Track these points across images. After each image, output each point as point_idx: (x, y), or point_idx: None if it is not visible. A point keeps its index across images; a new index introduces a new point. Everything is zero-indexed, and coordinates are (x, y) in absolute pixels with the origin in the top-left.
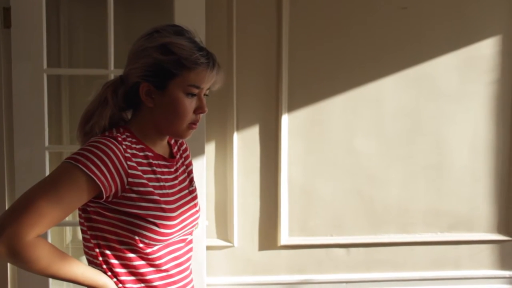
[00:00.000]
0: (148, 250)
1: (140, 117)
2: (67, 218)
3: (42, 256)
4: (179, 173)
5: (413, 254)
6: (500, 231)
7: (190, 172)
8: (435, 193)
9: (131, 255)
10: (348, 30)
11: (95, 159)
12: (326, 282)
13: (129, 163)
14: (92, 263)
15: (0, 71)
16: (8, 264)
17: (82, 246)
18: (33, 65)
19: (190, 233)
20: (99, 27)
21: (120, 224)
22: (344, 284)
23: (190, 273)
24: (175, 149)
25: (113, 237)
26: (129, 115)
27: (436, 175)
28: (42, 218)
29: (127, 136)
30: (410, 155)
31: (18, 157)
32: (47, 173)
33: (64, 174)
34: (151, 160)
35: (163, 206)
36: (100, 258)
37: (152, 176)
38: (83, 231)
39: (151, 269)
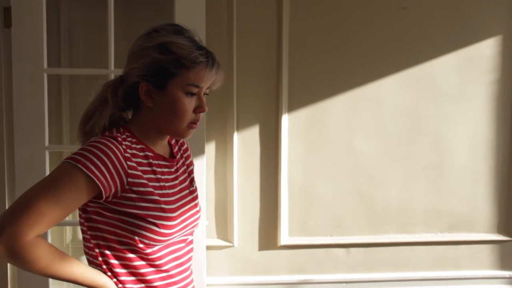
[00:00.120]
0: (148, 251)
1: (140, 117)
2: (67, 218)
3: (42, 256)
4: (180, 173)
5: (413, 254)
6: (500, 231)
7: (191, 172)
8: (435, 193)
9: (131, 255)
10: (348, 30)
11: (95, 159)
12: (326, 282)
13: (129, 163)
14: (92, 263)
15: (0, 70)
16: (8, 264)
17: (82, 246)
18: (33, 64)
19: (191, 233)
20: (99, 27)
21: (120, 224)
22: (344, 284)
23: (191, 273)
24: (176, 149)
25: (113, 237)
26: (129, 115)
27: (436, 175)
28: (42, 218)
29: (127, 136)
30: (410, 155)
31: (18, 157)
32: (47, 173)
33: (64, 174)
34: (151, 160)
35: (163, 206)
36: (100, 258)
37: (152, 176)
38: (83, 231)
39: (151, 269)
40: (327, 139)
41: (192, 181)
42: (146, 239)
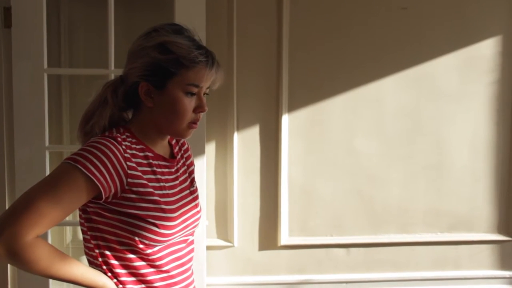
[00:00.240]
0: (149, 251)
1: (140, 117)
2: (67, 218)
3: (42, 256)
4: (180, 174)
5: (413, 254)
6: (500, 231)
7: (192, 172)
8: (435, 193)
9: (131, 256)
10: (348, 30)
11: (94, 160)
12: (326, 282)
13: (128, 163)
14: (93, 263)
15: (0, 70)
16: (9, 265)
17: (82, 246)
18: (33, 64)
19: (192, 234)
20: (99, 27)
21: (120, 225)
22: (344, 284)
23: (192, 273)
24: (176, 149)
25: (113, 238)
26: (129, 115)
27: (436, 175)
28: (42, 218)
29: (127, 136)
30: (410, 155)
31: (18, 157)
32: (47, 173)
33: (64, 175)
34: (151, 161)
35: (163, 206)
36: (100, 259)
37: (152, 176)
38: (83, 232)
39: (151, 269)
40: (327, 139)
41: (192, 181)
42: (146, 239)
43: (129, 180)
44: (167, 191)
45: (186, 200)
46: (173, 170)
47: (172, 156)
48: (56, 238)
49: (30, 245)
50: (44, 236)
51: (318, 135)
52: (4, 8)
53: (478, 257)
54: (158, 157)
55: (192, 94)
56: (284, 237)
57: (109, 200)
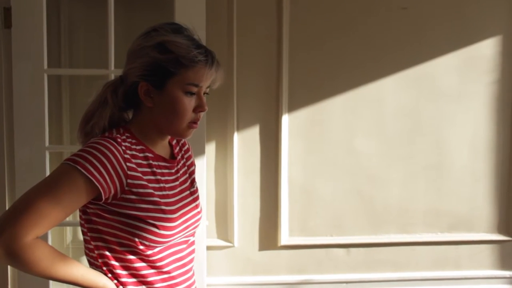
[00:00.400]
0: (149, 252)
1: (140, 117)
2: (67, 218)
3: (42, 257)
4: (180, 174)
5: (413, 254)
6: (500, 231)
7: (192, 172)
8: (435, 193)
9: (132, 257)
10: (349, 30)
11: (94, 161)
12: (326, 282)
13: (128, 164)
14: (93, 264)
15: (0, 71)
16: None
17: (82, 247)
18: (33, 65)
19: (192, 234)
20: (99, 27)
21: (120, 226)
22: (344, 284)
23: (193, 274)
24: (177, 150)
25: (113, 239)
26: (130, 115)
27: (436, 175)
28: (41, 219)
29: (127, 137)
30: (410, 155)
31: (18, 157)
32: (47, 173)
33: (63, 176)
34: (151, 161)
35: (163, 207)
36: (100, 260)
37: (152, 177)
38: (83, 233)
39: (152, 271)
40: (327, 139)
41: (193, 182)
42: (146, 240)
43: (129, 181)
44: (167, 192)
45: (187, 201)
46: (173, 171)
47: (172, 156)
48: (56, 239)
49: (29, 246)
50: (44, 237)
51: (318, 135)
52: (4, 8)
53: (478, 257)
54: (158, 157)
55: (192, 93)
56: (284, 237)
57: (109, 201)
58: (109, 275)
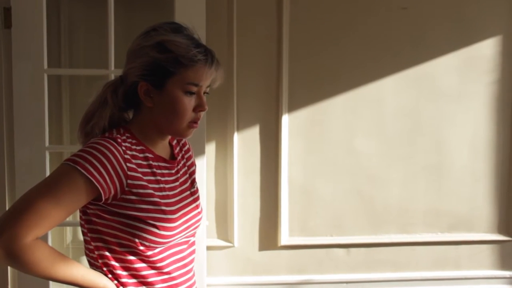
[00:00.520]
0: (149, 253)
1: (140, 117)
2: (67, 218)
3: (41, 258)
4: (180, 175)
5: (414, 254)
6: (500, 231)
7: (192, 173)
8: (435, 193)
9: (132, 257)
10: (349, 30)
11: (94, 161)
12: (326, 282)
13: (128, 165)
14: (93, 265)
15: (0, 71)
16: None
17: (82, 247)
18: (33, 65)
19: (193, 235)
20: (99, 27)
21: (120, 226)
22: (345, 284)
23: (193, 275)
24: (177, 150)
25: (113, 239)
26: (130, 115)
27: (436, 175)
28: (41, 220)
29: (127, 137)
30: (410, 155)
31: (18, 157)
32: (48, 173)
33: (63, 176)
34: (151, 162)
35: (164, 208)
36: (101, 261)
37: (152, 178)
38: (83, 233)
39: (152, 271)
40: (327, 139)
41: (193, 182)
42: (146, 241)
43: (129, 181)
44: (167, 193)
45: (187, 202)
46: (173, 171)
47: (173, 157)
48: (56, 239)
49: (29, 247)
50: (44, 237)
51: (318, 135)
52: (4, 8)
53: (478, 257)
54: (158, 158)
55: (192, 93)
56: (284, 237)
57: (109, 201)
58: (109, 275)
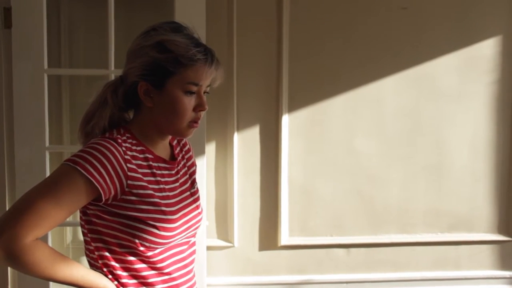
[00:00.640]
0: (149, 253)
1: (140, 117)
2: (67, 219)
3: (41, 259)
4: (180, 175)
5: (414, 255)
6: (500, 231)
7: (193, 173)
8: (435, 193)
9: (132, 258)
10: (349, 30)
11: (94, 161)
12: (327, 282)
13: (128, 165)
14: (93, 265)
15: (0, 71)
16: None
17: (82, 247)
18: (33, 65)
19: (193, 235)
20: (99, 27)
21: (120, 227)
22: (345, 284)
23: (194, 275)
24: (177, 150)
25: (113, 240)
26: (131, 115)
27: (436, 175)
28: (41, 220)
29: (128, 138)
30: (410, 155)
31: (19, 157)
32: (48, 173)
33: (63, 177)
34: (151, 163)
35: (164, 208)
36: (101, 261)
37: (152, 178)
38: (84, 234)
39: (152, 272)
40: (327, 139)
41: (193, 182)
42: (146, 242)
43: (129, 182)
44: (167, 193)
45: (187, 202)
46: (173, 172)
47: (173, 157)
48: (56, 239)
49: (29, 247)
50: (44, 237)
51: (318, 135)
52: (4, 8)
53: (478, 257)
54: (158, 159)
55: (192, 93)
56: (284, 237)
57: (109, 202)
58: (110, 276)
